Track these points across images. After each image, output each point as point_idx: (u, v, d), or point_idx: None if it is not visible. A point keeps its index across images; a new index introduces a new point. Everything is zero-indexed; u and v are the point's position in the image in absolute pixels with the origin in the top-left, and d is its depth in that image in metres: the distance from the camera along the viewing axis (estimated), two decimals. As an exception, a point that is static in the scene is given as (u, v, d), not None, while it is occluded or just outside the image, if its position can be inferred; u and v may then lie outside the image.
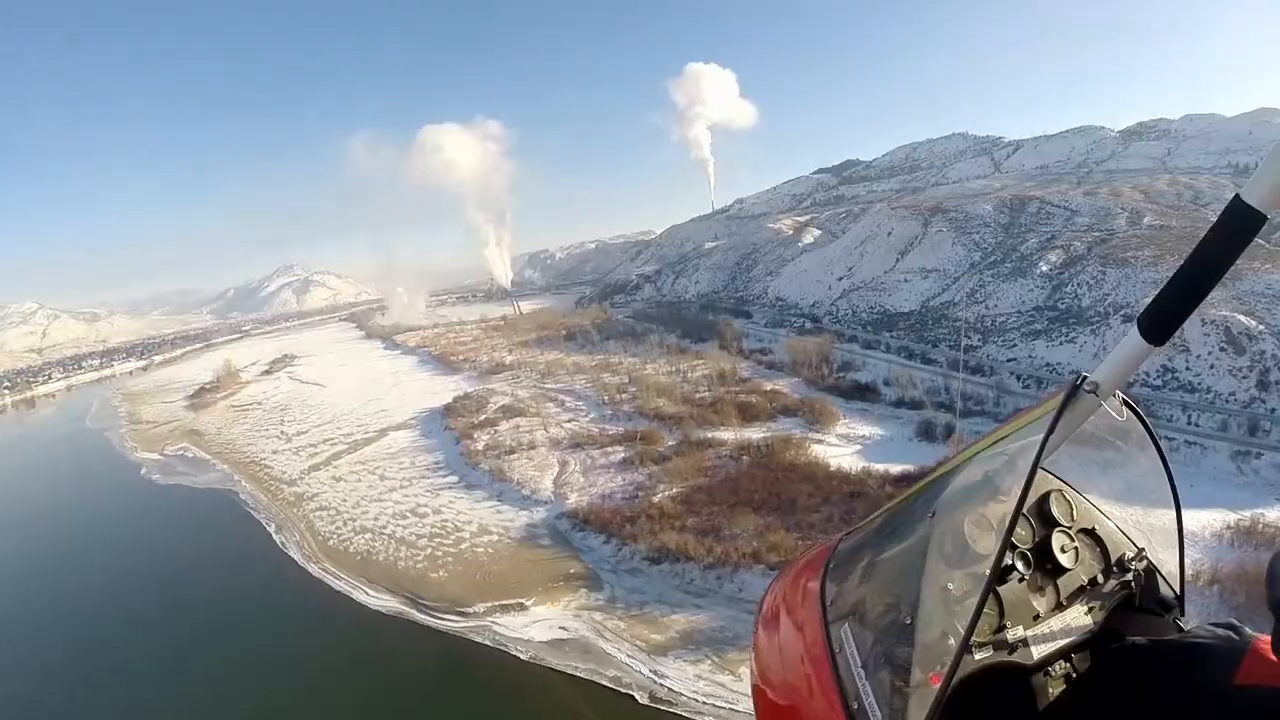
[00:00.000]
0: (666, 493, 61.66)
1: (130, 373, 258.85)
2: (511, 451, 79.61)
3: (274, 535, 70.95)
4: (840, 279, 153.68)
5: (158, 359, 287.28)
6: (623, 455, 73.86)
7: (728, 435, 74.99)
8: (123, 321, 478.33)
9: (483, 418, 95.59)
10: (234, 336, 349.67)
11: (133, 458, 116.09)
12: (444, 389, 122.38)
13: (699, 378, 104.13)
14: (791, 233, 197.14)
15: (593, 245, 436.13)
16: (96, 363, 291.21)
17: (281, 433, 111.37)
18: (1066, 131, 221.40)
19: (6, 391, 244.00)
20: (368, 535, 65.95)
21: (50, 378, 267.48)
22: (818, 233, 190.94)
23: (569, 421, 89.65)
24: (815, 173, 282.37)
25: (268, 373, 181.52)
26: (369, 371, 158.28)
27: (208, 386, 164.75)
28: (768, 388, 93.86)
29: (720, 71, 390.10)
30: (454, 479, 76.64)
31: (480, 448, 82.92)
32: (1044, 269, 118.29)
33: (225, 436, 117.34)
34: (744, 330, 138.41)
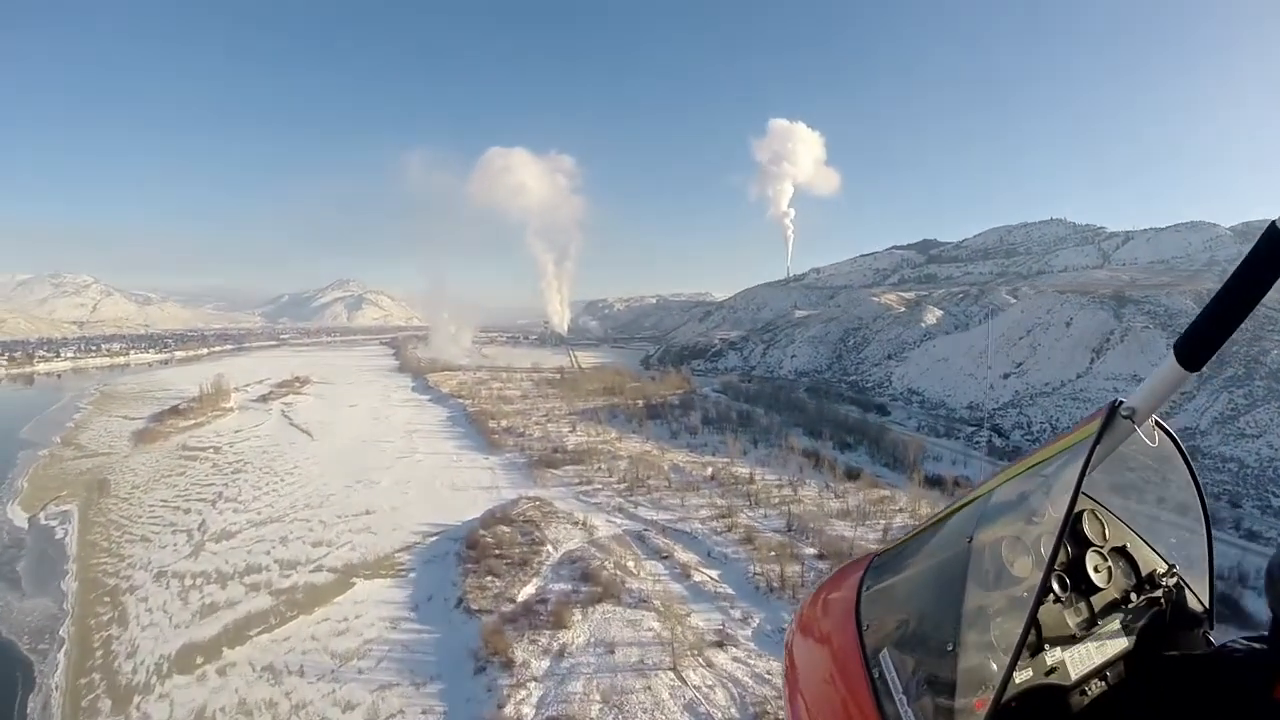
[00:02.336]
0: None
1: (150, 365, 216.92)
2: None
3: None
4: (1006, 376, 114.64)
5: (179, 355, 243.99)
6: None
7: None
8: (174, 309, 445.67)
9: (532, 588, 46.45)
10: (269, 343, 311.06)
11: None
12: (472, 482, 74.01)
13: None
14: (903, 309, 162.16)
15: (653, 300, 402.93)
16: (117, 347, 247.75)
17: (200, 525, 62.87)
18: (1179, 226, 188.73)
19: (4, 364, 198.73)
20: None
21: (59, 355, 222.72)
22: (939, 313, 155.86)
23: (721, 643, 39.67)
24: (890, 249, 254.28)
25: (264, 399, 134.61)
26: (380, 423, 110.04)
27: (182, 408, 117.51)
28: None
29: (809, 131, 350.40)
30: None
31: (530, 711, 33.37)
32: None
33: (130, 507, 70.04)
34: (906, 439, 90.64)
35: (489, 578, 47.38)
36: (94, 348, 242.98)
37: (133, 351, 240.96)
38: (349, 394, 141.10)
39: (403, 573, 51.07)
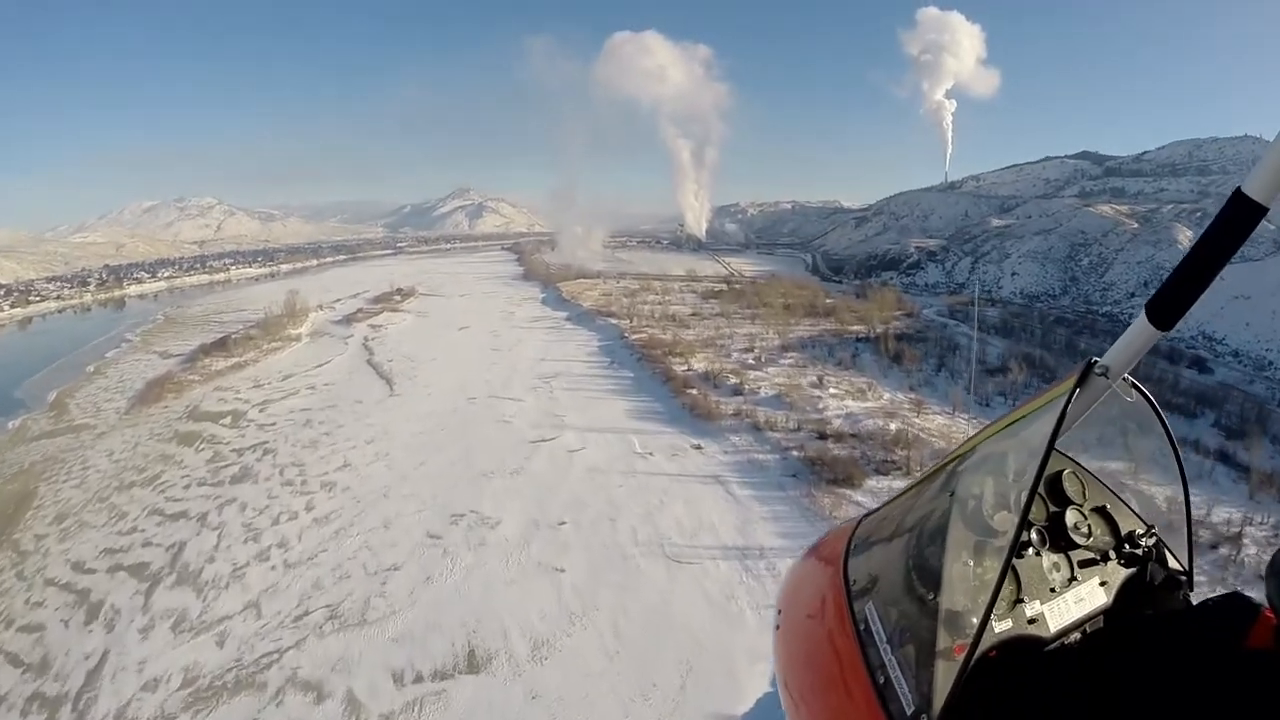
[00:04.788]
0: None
1: (256, 279, 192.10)
2: None
3: None
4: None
5: (284, 268, 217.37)
6: None
7: None
8: (297, 224, 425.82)
9: None
10: (385, 252, 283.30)
11: None
12: (698, 531, 34.93)
13: None
14: (1135, 224, 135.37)
15: (788, 205, 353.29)
16: (220, 264, 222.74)
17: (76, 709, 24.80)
18: None
19: (90, 290, 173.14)
20: None
21: (155, 275, 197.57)
22: (1189, 233, 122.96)
23: None
24: (1047, 159, 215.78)
25: (348, 320, 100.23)
26: (500, 358, 73.64)
27: (235, 338, 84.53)
28: None
29: (965, 22, 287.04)
30: None
31: None
32: None
33: (17, 584, 33.34)
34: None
35: None
36: (196, 266, 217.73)
37: (234, 267, 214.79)
38: (460, 310, 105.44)
39: None
